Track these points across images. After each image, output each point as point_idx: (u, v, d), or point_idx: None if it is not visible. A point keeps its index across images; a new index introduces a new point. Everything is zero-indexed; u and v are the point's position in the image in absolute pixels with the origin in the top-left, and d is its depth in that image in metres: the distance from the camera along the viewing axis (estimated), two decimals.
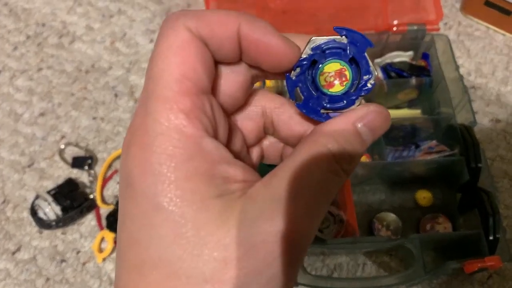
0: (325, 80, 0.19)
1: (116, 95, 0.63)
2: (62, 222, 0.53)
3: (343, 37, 0.19)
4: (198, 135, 0.17)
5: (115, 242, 0.52)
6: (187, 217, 0.16)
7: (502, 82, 0.63)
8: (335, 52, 0.19)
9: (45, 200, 0.53)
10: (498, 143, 0.59)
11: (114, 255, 0.53)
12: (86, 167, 0.57)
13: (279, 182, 0.17)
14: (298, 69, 0.19)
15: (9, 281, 0.51)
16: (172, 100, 0.16)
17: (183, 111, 0.16)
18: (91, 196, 0.55)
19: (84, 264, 0.52)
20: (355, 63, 0.19)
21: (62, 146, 0.59)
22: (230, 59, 0.19)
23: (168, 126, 0.16)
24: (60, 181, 0.56)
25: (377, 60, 0.59)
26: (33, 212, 0.53)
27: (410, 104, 0.59)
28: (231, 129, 0.20)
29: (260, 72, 0.20)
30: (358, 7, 0.60)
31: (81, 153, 0.59)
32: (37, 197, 0.54)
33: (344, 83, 0.19)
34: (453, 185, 0.53)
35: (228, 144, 0.20)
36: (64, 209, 0.53)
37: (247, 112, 0.22)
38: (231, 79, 0.19)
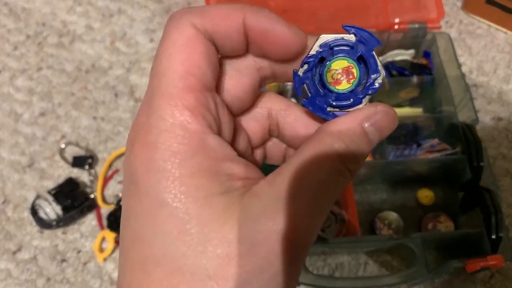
0: (332, 77, 0.19)
1: (116, 95, 0.63)
2: (63, 221, 0.53)
3: (352, 35, 0.18)
4: (202, 132, 0.17)
5: (116, 241, 0.52)
6: (192, 214, 0.16)
7: (504, 80, 0.63)
8: (343, 49, 0.19)
9: (46, 199, 0.53)
10: (500, 141, 0.58)
11: (114, 254, 0.53)
12: (87, 167, 0.57)
13: (282, 180, 0.17)
14: (305, 66, 0.19)
15: (10, 281, 0.51)
16: (176, 96, 0.16)
17: (187, 108, 0.16)
18: (92, 196, 0.55)
19: (85, 264, 0.52)
20: (363, 61, 0.19)
21: (63, 146, 0.59)
22: (237, 52, 0.19)
23: (172, 123, 0.16)
24: (61, 180, 0.56)
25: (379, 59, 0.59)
26: (34, 212, 0.53)
27: (412, 103, 0.59)
28: (237, 129, 0.20)
29: (269, 74, 0.20)
30: (359, 6, 0.59)
31: (81, 152, 0.58)
32: (37, 196, 0.54)
33: (351, 81, 0.19)
34: (455, 184, 0.53)
35: (233, 143, 0.20)
36: (64, 209, 0.53)
37: (252, 114, 0.21)
38: (239, 81, 0.19)
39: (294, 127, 0.21)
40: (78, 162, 0.57)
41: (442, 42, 0.58)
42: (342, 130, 0.18)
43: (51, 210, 0.52)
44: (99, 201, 0.54)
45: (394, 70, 0.57)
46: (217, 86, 0.19)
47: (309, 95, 0.19)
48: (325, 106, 0.19)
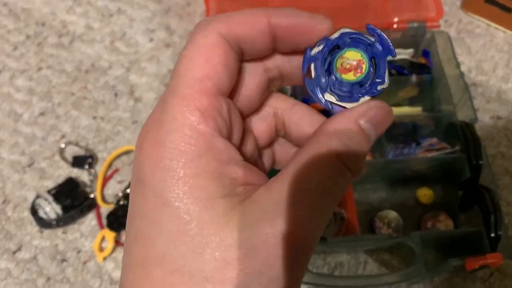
0: (341, 64, 0.19)
1: (116, 95, 0.63)
2: (63, 221, 0.53)
3: (372, 36, 0.19)
4: (210, 134, 0.17)
5: (115, 241, 0.52)
6: (192, 215, 0.16)
7: (503, 79, 0.63)
8: (362, 43, 0.19)
9: (46, 199, 0.53)
10: (499, 140, 0.58)
11: (114, 254, 0.53)
12: (87, 166, 0.57)
13: (281, 184, 0.17)
14: (320, 46, 0.19)
15: (10, 280, 0.51)
16: (190, 98, 0.17)
17: (199, 109, 0.17)
18: (92, 195, 0.55)
19: (84, 263, 0.52)
20: (374, 64, 0.19)
21: (62, 146, 0.59)
22: (263, 53, 0.19)
23: (182, 122, 0.16)
24: (61, 180, 0.56)
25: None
26: (34, 211, 0.53)
27: (411, 102, 0.59)
28: (245, 131, 0.20)
29: (276, 74, 0.20)
30: (359, 5, 0.60)
31: (81, 152, 0.59)
32: (37, 196, 0.54)
33: (358, 75, 0.19)
34: (454, 183, 0.53)
35: (241, 147, 0.20)
36: (64, 208, 0.53)
37: (259, 113, 0.22)
38: (247, 82, 0.20)
39: (299, 125, 0.21)
40: (78, 161, 0.57)
41: (441, 41, 0.58)
42: (338, 129, 0.18)
43: (51, 209, 0.52)
44: (99, 200, 0.55)
45: (393, 69, 0.57)
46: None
47: (313, 76, 0.19)
48: (324, 90, 0.19)
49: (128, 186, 0.56)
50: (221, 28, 0.18)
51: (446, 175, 0.54)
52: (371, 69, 0.19)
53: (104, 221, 0.54)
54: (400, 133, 0.55)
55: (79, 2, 0.70)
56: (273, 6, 0.58)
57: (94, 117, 0.61)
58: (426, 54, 0.59)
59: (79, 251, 0.53)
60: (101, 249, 0.52)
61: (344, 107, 0.19)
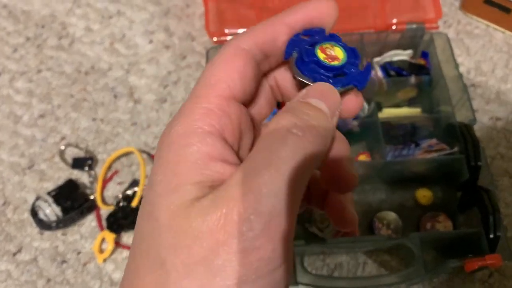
0: (323, 52, 0.20)
1: (115, 96, 0.63)
2: (63, 223, 0.53)
3: (295, 53, 0.20)
4: (206, 130, 0.18)
5: (115, 243, 0.52)
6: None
7: (502, 80, 0.63)
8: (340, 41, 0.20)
9: (46, 201, 0.53)
10: (498, 141, 0.58)
11: (114, 255, 0.53)
12: (86, 168, 0.57)
13: (234, 180, 0.17)
14: (307, 37, 0.20)
15: (10, 282, 0.52)
16: (202, 97, 0.19)
17: (206, 108, 0.18)
18: (92, 197, 0.55)
19: (84, 265, 0.52)
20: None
21: (62, 147, 0.59)
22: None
23: (187, 117, 0.18)
24: (61, 182, 0.56)
25: (377, 59, 0.59)
26: (34, 213, 0.53)
27: (410, 103, 0.59)
28: (255, 137, 0.21)
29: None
30: (357, 6, 0.60)
31: (81, 154, 0.59)
32: (37, 198, 0.54)
33: (335, 62, 0.20)
34: (453, 184, 0.53)
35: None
36: (64, 210, 0.53)
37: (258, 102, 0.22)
38: (261, 93, 0.21)
39: (292, 83, 0.22)
40: (77, 163, 0.57)
41: (440, 42, 0.58)
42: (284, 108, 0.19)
43: (51, 211, 0.53)
44: (99, 202, 0.55)
45: (392, 70, 0.57)
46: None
47: (295, 56, 0.20)
48: (304, 59, 0.20)
49: (128, 188, 0.56)
50: (243, 40, 0.19)
51: (445, 176, 0.54)
52: (350, 62, 0.20)
53: (104, 223, 0.54)
54: (399, 134, 0.55)
55: (78, 4, 0.71)
56: (272, 7, 0.59)
57: (94, 119, 0.62)
58: (425, 55, 0.60)
59: (79, 253, 0.53)
60: (101, 251, 0.52)
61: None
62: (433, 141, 0.53)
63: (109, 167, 0.58)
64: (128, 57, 0.66)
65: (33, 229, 0.54)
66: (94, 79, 0.64)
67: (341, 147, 0.21)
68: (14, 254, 0.53)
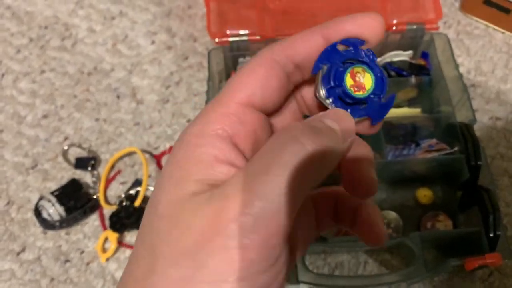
0: (356, 90, 0.20)
1: (118, 97, 0.64)
2: (66, 222, 0.54)
3: (324, 65, 0.20)
4: (215, 133, 0.18)
5: (118, 242, 0.53)
6: (164, 190, 0.18)
7: (502, 80, 0.63)
8: (334, 75, 0.20)
9: (49, 201, 0.53)
10: (498, 141, 0.59)
11: (117, 255, 0.53)
12: (89, 168, 0.57)
13: (235, 179, 0.17)
14: (346, 47, 0.20)
15: (14, 281, 0.52)
16: (221, 102, 0.19)
17: (221, 112, 0.19)
18: (95, 197, 0.56)
19: (88, 264, 0.53)
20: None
21: (65, 147, 0.60)
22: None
23: (202, 119, 0.19)
24: (64, 182, 0.56)
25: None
26: (37, 213, 0.54)
27: (410, 103, 0.59)
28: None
29: (291, 69, 0.20)
30: (358, 7, 0.60)
31: (84, 154, 0.59)
32: (41, 198, 0.54)
33: (360, 92, 0.20)
34: (453, 183, 0.53)
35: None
36: (67, 210, 0.53)
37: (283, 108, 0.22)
38: (273, 85, 0.21)
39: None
40: (80, 163, 0.58)
41: (440, 43, 0.58)
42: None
43: (54, 211, 0.53)
44: (102, 202, 0.55)
45: (393, 70, 0.57)
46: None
47: (326, 68, 0.20)
48: (326, 84, 0.19)
49: (131, 187, 0.57)
50: (275, 50, 0.19)
51: (445, 176, 0.54)
52: (377, 86, 0.20)
53: (107, 222, 0.54)
54: (399, 134, 0.55)
55: (81, 5, 0.71)
56: (273, 8, 0.59)
57: (97, 119, 0.62)
58: (425, 55, 0.60)
59: (82, 252, 0.54)
60: (104, 250, 0.53)
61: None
62: (434, 141, 0.54)
63: (112, 167, 0.58)
64: (130, 58, 0.67)
65: (37, 228, 0.55)
66: (97, 80, 0.65)
67: (362, 151, 0.21)
68: (18, 254, 0.54)
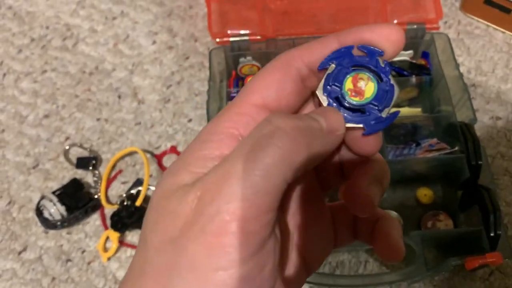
0: (354, 95, 0.19)
1: (119, 97, 0.64)
2: (67, 222, 0.54)
3: (331, 64, 0.19)
4: (228, 132, 0.19)
5: (119, 241, 0.53)
6: (163, 192, 0.18)
7: (502, 79, 0.63)
8: (339, 76, 0.19)
9: (50, 200, 0.53)
10: (498, 140, 0.59)
11: (118, 254, 0.53)
12: (91, 168, 0.58)
13: (218, 166, 0.18)
14: (334, 66, 0.19)
15: (15, 280, 0.52)
16: (236, 103, 0.19)
17: (237, 113, 0.19)
18: (96, 196, 0.56)
19: (89, 263, 0.53)
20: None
21: (67, 147, 0.60)
22: None
23: (218, 119, 0.19)
24: (65, 181, 0.57)
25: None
26: (39, 212, 0.54)
27: (411, 103, 0.60)
28: None
29: (306, 72, 0.20)
30: (358, 7, 0.60)
31: (85, 153, 0.59)
32: (42, 197, 0.55)
33: (357, 98, 0.19)
34: (453, 183, 0.53)
35: None
36: (69, 209, 0.54)
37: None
38: (288, 91, 0.20)
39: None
40: (82, 163, 0.58)
41: (441, 43, 0.59)
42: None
43: (55, 210, 0.53)
44: (103, 201, 0.55)
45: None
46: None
47: (334, 67, 0.19)
48: (330, 83, 0.19)
49: (132, 187, 0.57)
50: (292, 55, 0.20)
51: (445, 175, 0.54)
52: (379, 95, 0.19)
53: (108, 222, 0.54)
54: (400, 134, 0.56)
55: (82, 5, 0.71)
56: (274, 9, 0.59)
57: (98, 119, 0.62)
58: (425, 55, 0.60)
59: (83, 251, 0.54)
60: (105, 249, 0.53)
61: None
62: (434, 140, 0.54)
63: (113, 167, 0.59)
64: (132, 58, 0.67)
65: (38, 228, 0.55)
66: (99, 80, 0.65)
67: (365, 171, 0.20)
68: (19, 253, 0.54)
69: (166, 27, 0.69)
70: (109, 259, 0.53)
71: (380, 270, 0.52)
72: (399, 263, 0.52)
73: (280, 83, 0.19)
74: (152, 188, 0.57)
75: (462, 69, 0.63)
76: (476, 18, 0.68)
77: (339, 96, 0.19)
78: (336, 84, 0.19)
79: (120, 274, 0.52)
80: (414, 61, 0.59)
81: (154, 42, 0.68)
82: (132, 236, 0.55)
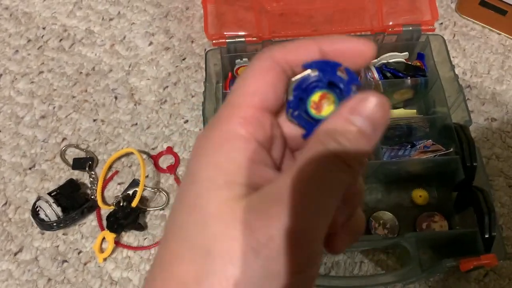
0: (314, 108, 0.20)
1: (116, 98, 0.64)
2: (63, 223, 0.54)
3: (315, 70, 0.20)
4: (247, 137, 0.19)
5: (115, 242, 0.53)
6: (205, 192, 0.19)
7: (498, 81, 0.64)
8: (314, 85, 0.20)
9: (47, 201, 0.54)
10: (493, 141, 0.59)
11: (114, 255, 0.53)
12: (87, 169, 0.58)
13: (283, 181, 0.18)
14: (290, 110, 0.21)
15: (11, 281, 0.52)
16: (238, 108, 0.20)
17: (242, 117, 0.19)
18: (92, 197, 0.56)
19: (85, 264, 0.53)
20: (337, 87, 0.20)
21: (63, 148, 0.60)
22: None
23: (227, 125, 0.19)
24: (61, 182, 0.57)
25: (373, 61, 0.60)
26: (35, 213, 0.54)
27: (406, 104, 0.60)
28: (284, 149, 0.22)
29: (293, 75, 0.21)
30: (354, 9, 0.60)
31: (81, 154, 0.59)
32: (38, 198, 0.55)
33: (332, 105, 0.20)
34: (449, 184, 0.54)
35: (282, 160, 0.22)
36: (65, 210, 0.54)
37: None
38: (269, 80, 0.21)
39: None
40: (78, 164, 0.58)
41: (436, 44, 0.59)
42: (331, 128, 0.18)
43: (51, 211, 0.53)
44: (99, 202, 0.55)
45: (388, 72, 0.58)
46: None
47: (303, 128, 0.21)
48: (292, 106, 0.21)
49: (128, 188, 0.57)
50: (275, 55, 0.20)
51: (441, 177, 0.54)
52: (339, 93, 0.20)
53: (104, 223, 0.54)
54: (395, 135, 0.56)
55: (79, 6, 0.71)
56: (270, 10, 0.59)
57: (95, 120, 0.62)
58: (421, 57, 0.60)
59: (79, 252, 0.54)
60: (101, 250, 0.53)
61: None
62: (429, 142, 0.54)
63: (110, 168, 0.59)
64: (128, 59, 0.67)
65: (34, 229, 0.55)
66: (95, 81, 0.65)
67: (347, 231, 0.22)
68: (15, 254, 0.54)
69: (163, 28, 0.69)
70: (105, 259, 0.53)
71: (375, 270, 0.52)
72: (394, 264, 0.52)
73: (275, 84, 0.20)
74: (148, 189, 0.57)
75: (457, 70, 0.63)
76: (471, 19, 0.68)
77: (304, 98, 0.20)
78: (308, 89, 0.20)
79: (116, 274, 0.53)
80: (409, 63, 0.59)
81: (150, 43, 0.68)
82: (128, 237, 0.55)
